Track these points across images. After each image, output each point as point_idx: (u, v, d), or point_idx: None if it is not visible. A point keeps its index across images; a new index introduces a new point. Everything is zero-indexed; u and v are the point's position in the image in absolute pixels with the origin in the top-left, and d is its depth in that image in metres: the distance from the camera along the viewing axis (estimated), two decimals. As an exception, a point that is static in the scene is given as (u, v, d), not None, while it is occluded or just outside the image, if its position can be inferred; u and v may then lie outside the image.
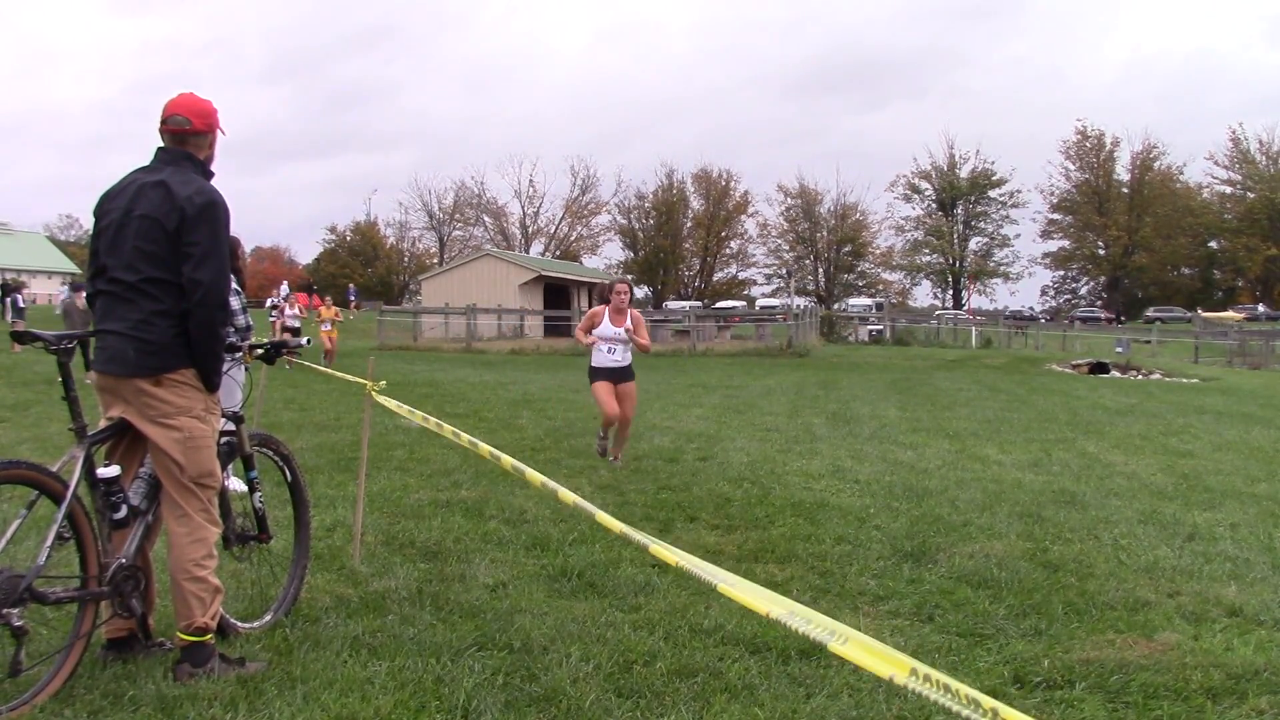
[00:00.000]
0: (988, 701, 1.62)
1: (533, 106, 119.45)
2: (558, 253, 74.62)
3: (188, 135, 3.58)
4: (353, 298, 59.08)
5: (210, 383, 3.54)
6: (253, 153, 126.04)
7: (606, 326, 8.56)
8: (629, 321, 8.60)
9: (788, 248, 76.90)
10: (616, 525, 2.46)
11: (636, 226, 78.87)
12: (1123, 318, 65.09)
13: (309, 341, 4.36)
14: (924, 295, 78.79)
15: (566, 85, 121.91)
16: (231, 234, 3.63)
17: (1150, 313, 66.64)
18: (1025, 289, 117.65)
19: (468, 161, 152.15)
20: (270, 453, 4.31)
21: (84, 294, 21.81)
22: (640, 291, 78.08)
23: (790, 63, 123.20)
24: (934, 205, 76.51)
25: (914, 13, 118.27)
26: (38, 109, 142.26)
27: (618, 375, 8.59)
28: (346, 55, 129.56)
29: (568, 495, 2.96)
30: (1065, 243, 77.32)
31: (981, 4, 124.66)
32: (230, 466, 4.03)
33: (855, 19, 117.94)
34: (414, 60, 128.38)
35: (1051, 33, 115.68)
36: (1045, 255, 77.58)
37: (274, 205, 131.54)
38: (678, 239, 77.46)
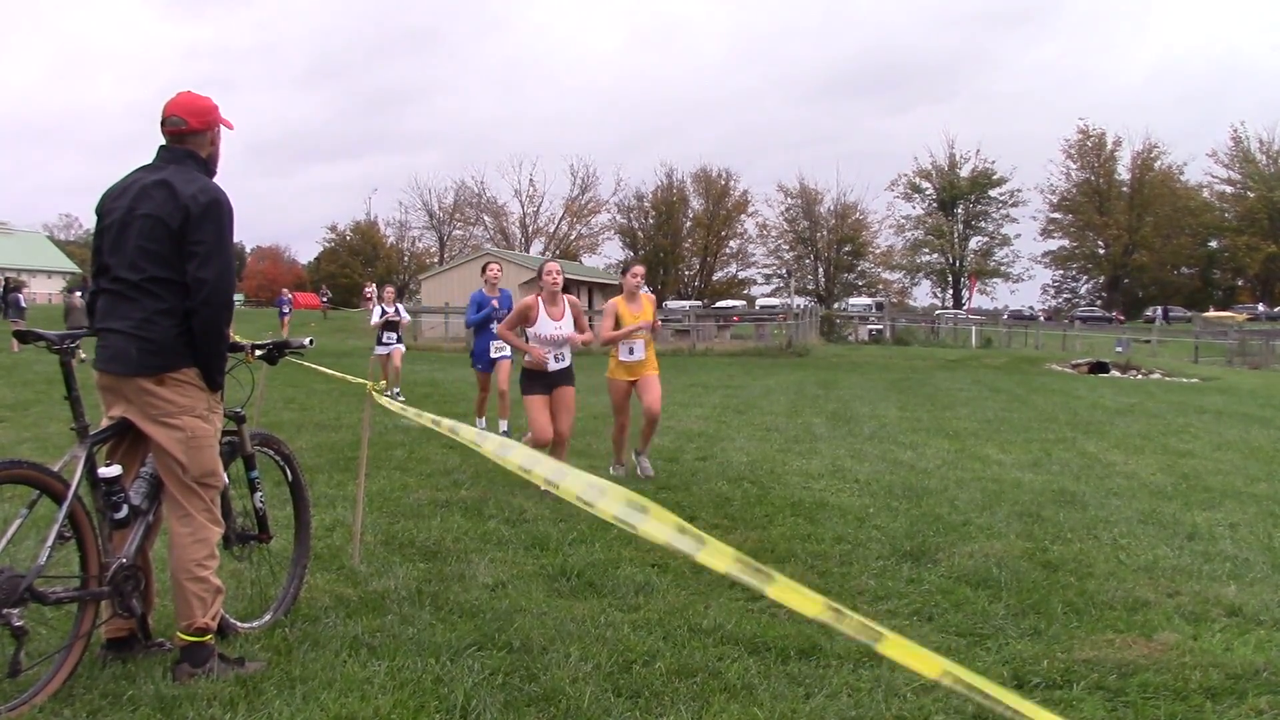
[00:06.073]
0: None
1: (562, 107, 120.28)
2: (558, 252, 74.57)
3: (185, 134, 3.59)
4: (324, 298, 58.83)
5: (213, 382, 3.54)
6: (282, 154, 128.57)
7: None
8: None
9: (787, 247, 76.92)
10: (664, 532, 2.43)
11: (636, 226, 78.88)
12: (1121, 318, 65.08)
13: (312, 342, 4.35)
14: (924, 295, 78.86)
15: (598, 87, 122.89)
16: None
17: (1149, 312, 66.85)
18: (1026, 288, 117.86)
19: (492, 162, 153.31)
20: (272, 453, 4.31)
21: (78, 294, 21.10)
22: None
23: (819, 66, 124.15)
24: (934, 204, 76.53)
25: (945, 18, 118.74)
26: (78, 111, 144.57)
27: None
28: (384, 60, 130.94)
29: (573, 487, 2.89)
30: (1065, 242, 77.38)
31: (1011, 9, 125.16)
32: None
33: (887, 23, 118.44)
34: (448, 64, 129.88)
35: (1079, 37, 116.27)
36: (1045, 254, 77.69)
37: (296, 205, 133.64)
38: (677, 238, 77.48)
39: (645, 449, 8.02)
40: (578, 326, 7.33)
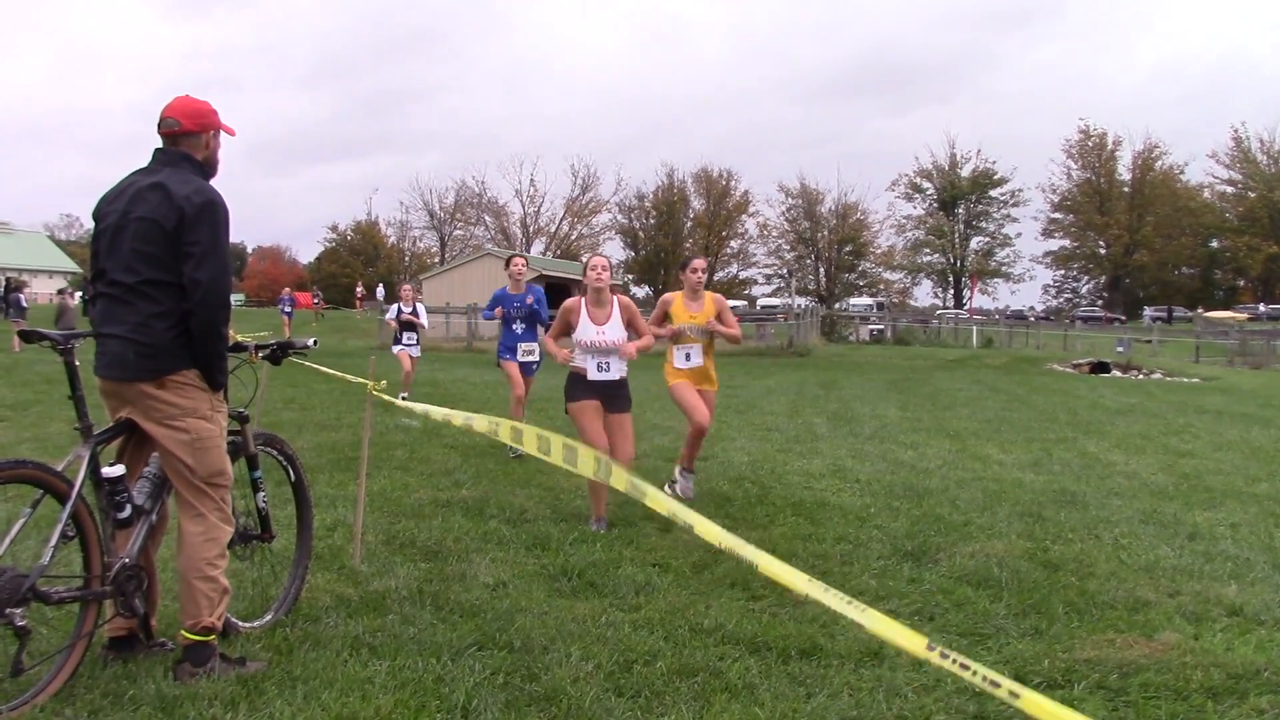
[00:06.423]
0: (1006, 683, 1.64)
1: (564, 107, 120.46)
2: (558, 252, 74.56)
3: (179, 136, 3.59)
4: (316, 298, 57.50)
5: (214, 381, 3.54)
6: (284, 154, 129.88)
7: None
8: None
9: (788, 247, 76.94)
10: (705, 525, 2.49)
11: (637, 226, 78.88)
12: (1123, 318, 65.11)
13: (315, 342, 4.36)
14: (924, 295, 78.86)
15: (599, 86, 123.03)
16: None
17: (1149, 312, 67.06)
18: (1027, 289, 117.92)
19: (493, 161, 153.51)
20: (274, 453, 4.32)
21: (70, 294, 20.55)
22: (641, 291, 78.22)
23: (821, 66, 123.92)
24: (935, 205, 76.53)
25: (947, 18, 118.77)
26: (79, 111, 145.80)
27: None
28: (387, 60, 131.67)
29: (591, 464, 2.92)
30: (1066, 242, 77.34)
31: (1013, 9, 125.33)
32: None
33: (889, 23, 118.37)
34: (451, 64, 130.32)
35: (1081, 37, 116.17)
36: (1046, 254, 77.66)
37: (297, 205, 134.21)
38: (678, 238, 77.41)
39: (690, 464, 7.06)
40: (634, 330, 6.25)
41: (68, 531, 3.31)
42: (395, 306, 13.69)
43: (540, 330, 9.21)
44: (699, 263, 7.00)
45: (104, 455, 3.53)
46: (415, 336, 13.40)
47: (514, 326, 9.21)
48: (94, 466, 3.41)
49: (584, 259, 6.21)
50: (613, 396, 6.16)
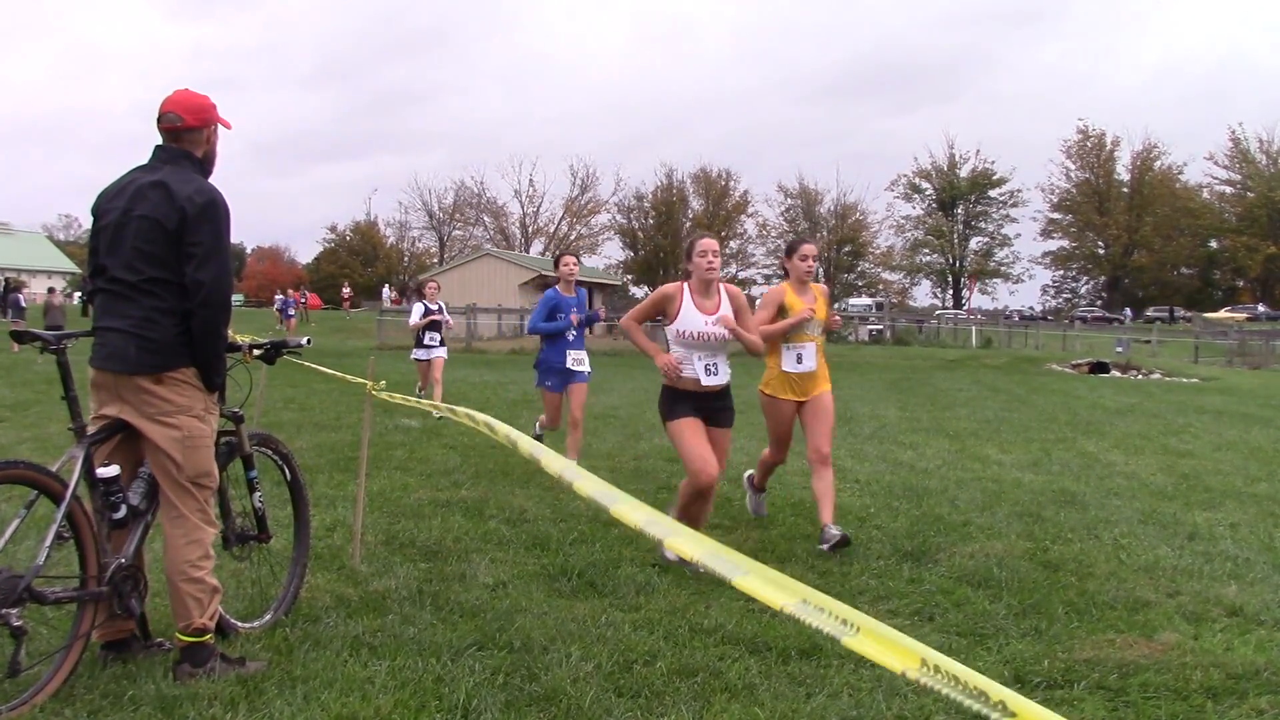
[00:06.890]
0: (996, 691, 1.62)
1: (565, 107, 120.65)
2: (557, 252, 74.56)
3: (180, 132, 3.58)
4: (303, 299, 54.71)
5: (211, 382, 3.54)
6: (285, 154, 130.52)
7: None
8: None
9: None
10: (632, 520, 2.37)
11: (636, 226, 78.88)
12: (1122, 318, 65.13)
13: (309, 341, 4.36)
14: (924, 295, 78.90)
15: (601, 86, 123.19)
16: None
17: (1150, 312, 67.07)
18: (1026, 289, 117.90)
19: (492, 162, 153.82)
20: (270, 452, 4.31)
21: (57, 293, 20.74)
22: (639, 291, 78.20)
23: (823, 66, 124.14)
24: (934, 205, 76.56)
25: (949, 19, 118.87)
26: (80, 111, 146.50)
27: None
28: (389, 61, 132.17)
29: (583, 488, 2.72)
30: (1065, 242, 77.37)
31: (1015, 10, 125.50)
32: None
33: (891, 23, 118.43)
34: (453, 64, 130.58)
35: (1082, 38, 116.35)
36: (1045, 254, 77.69)
37: (297, 205, 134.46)
38: (677, 239, 77.39)
39: (830, 517, 5.62)
40: (741, 325, 5.33)
41: (63, 532, 3.30)
42: (421, 305, 12.72)
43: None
44: (810, 249, 5.92)
45: (98, 455, 3.52)
46: (439, 337, 12.51)
47: (567, 334, 7.90)
48: (89, 467, 3.40)
49: (686, 240, 5.52)
50: (719, 409, 5.41)
